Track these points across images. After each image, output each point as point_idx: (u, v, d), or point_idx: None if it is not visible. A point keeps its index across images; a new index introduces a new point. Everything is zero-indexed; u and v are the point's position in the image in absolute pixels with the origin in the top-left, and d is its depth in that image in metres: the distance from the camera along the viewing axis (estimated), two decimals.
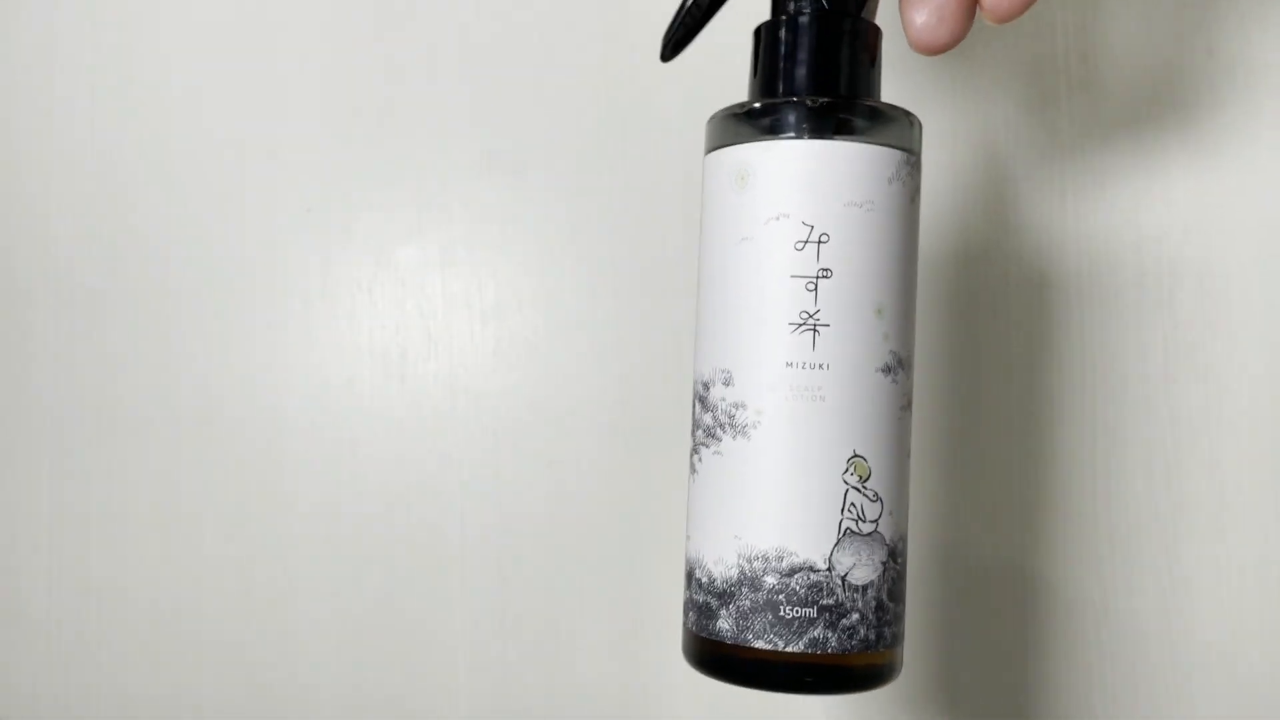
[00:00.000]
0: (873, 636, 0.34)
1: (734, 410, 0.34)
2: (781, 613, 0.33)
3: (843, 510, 0.33)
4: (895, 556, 0.35)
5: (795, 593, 0.33)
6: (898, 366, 0.35)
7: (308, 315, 0.51)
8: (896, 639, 0.35)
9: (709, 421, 0.35)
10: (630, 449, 0.49)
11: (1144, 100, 0.46)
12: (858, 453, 0.34)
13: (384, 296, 0.51)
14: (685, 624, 0.36)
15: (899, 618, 0.35)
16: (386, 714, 0.50)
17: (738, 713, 0.48)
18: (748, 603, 0.33)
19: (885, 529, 0.34)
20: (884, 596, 0.34)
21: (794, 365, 0.33)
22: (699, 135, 0.47)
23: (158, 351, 0.52)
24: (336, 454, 0.51)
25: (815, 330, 0.33)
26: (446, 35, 0.51)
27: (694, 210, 0.47)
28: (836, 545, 0.33)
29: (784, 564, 0.33)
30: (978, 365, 0.47)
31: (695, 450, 0.36)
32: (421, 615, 0.50)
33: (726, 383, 0.34)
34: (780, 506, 0.33)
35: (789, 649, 0.33)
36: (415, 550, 0.50)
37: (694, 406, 0.36)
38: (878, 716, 0.47)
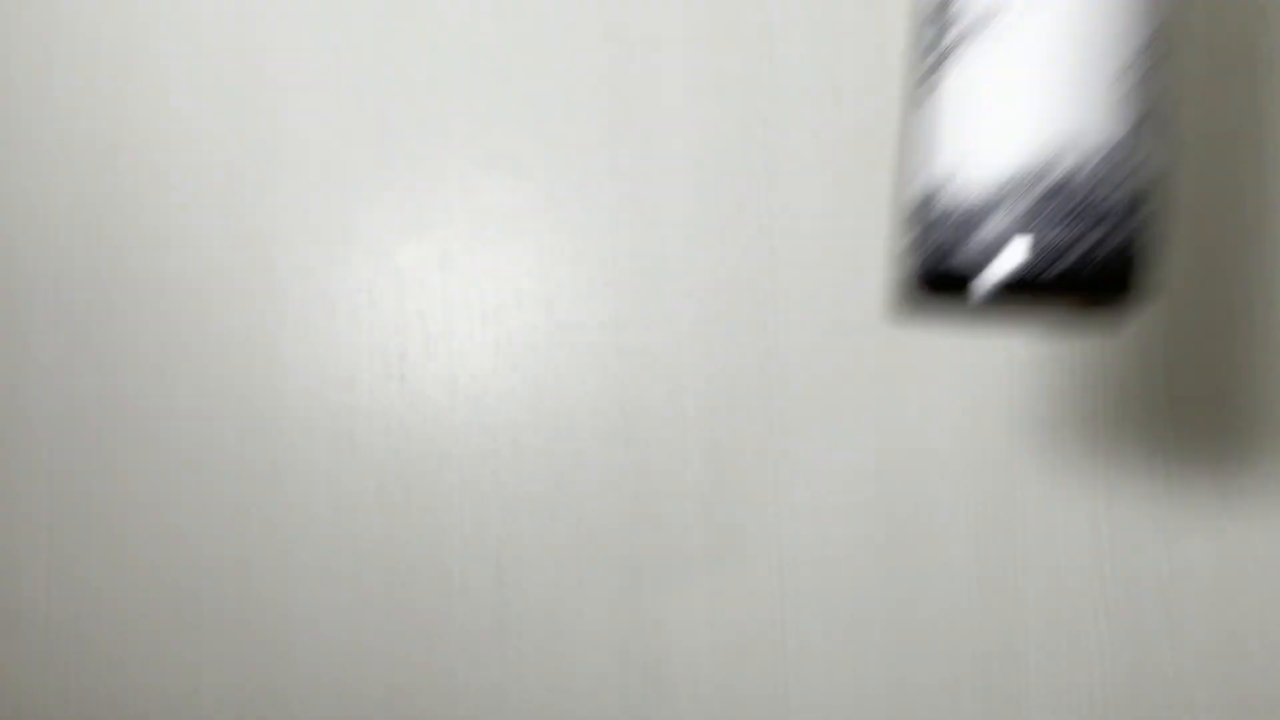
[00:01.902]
0: (1137, 247, 0.30)
1: (992, 9, 0.31)
2: (1042, 221, 0.29)
3: (1121, 103, 0.31)
4: (1161, 173, 0.32)
5: (1062, 196, 0.30)
6: None
7: (308, 315, 0.51)
8: (1157, 256, 0.32)
9: (951, 37, 0.32)
10: (629, 448, 0.49)
11: None
12: (1134, 45, 0.31)
13: (384, 296, 0.51)
14: (916, 262, 0.31)
15: (1158, 235, 0.32)
16: (386, 713, 0.50)
17: (737, 711, 0.47)
18: (1009, 212, 0.29)
19: (1150, 137, 0.31)
20: (1146, 210, 0.31)
21: None
22: (699, 135, 0.48)
23: (157, 352, 0.52)
24: (336, 453, 0.51)
25: None
26: (447, 36, 0.51)
27: (694, 210, 0.49)
28: (1108, 149, 0.30)
29: (1047, 172, 0.30)
30: None
31: (931, 70, 0.32)
32: (421, 614, 0.50)
33: None
34: (1044, 105, 0.30)
35: (1051, 269, 0.29)
36: (415, 549, 0.50)
37: (923, 30, 0.33)
38: None
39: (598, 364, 0.49)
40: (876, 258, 0.47)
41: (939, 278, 0.30)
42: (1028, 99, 0.30)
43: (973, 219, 0.30)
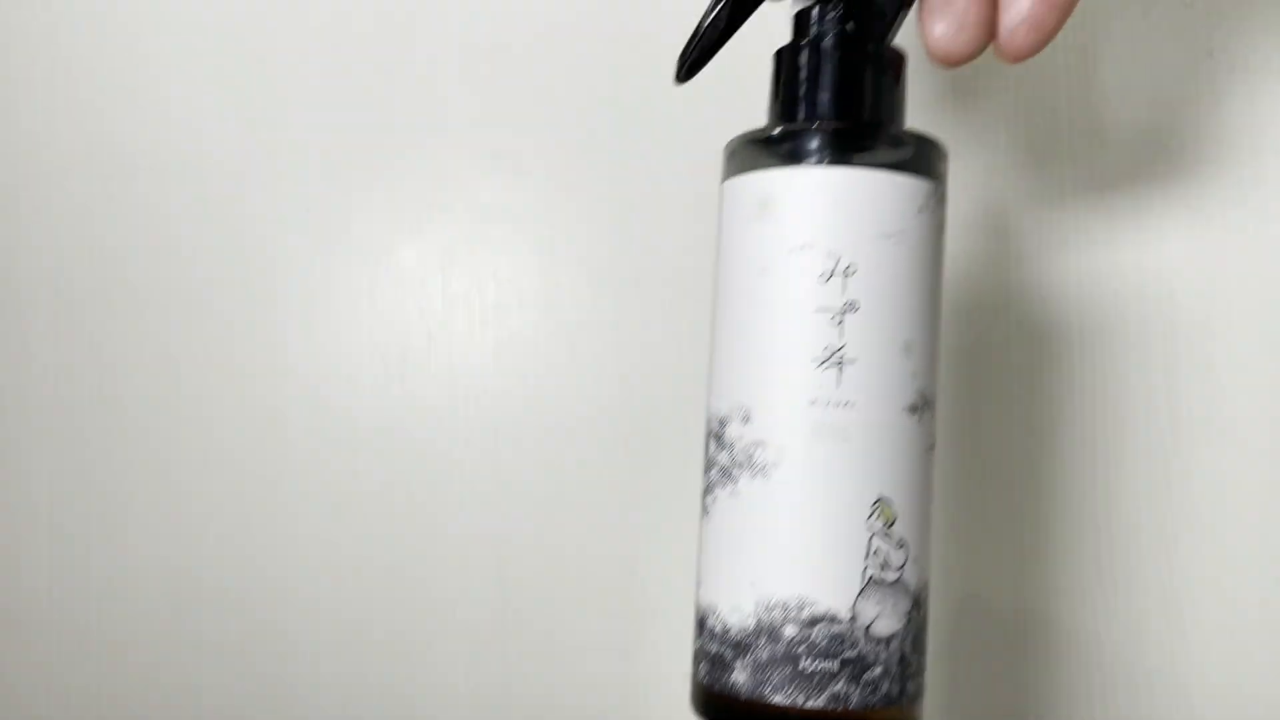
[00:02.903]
0: (895, 691, 0.32)
1: (753, 449, 0.32)
2: (801, 666, 0.31)
3: (867, 557, 0.32)
4: (919, 605, 0.33)
5: (816, 644, 0.31)
6: (924, 406, 0.33)
7: (308, 315, 0.51)
8: (919, 692, 0.33)
9: (725, 460, 0.33)
10: (630, 449, 0.48)
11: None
12: (883, 496, 0.32)
13: (384, 296, 0.50)
14: (695, 675, 0.34)
15: (921, 670, 0.33)
16: (386, 713, 0.50)
17: None
18: (765, 654, 0.32)
19: (910, 576, 0.32)
20: (907, 648, 0.32)
21: (817, 403, 0.32)
22: (700, 135, 0.44)
23: (158, 351, 0.52)
24: (336, 453, 0.50)
25: (840, 366, 0.32)
26: (447, 35, 0.50)
27: (695, 210, 0.46)
28: (860, 594, 0.32)
29: (804, 614, 0.31)
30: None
31: (709, 490, 0.34)
32: (421, 615, 0.50)
33: (745, 420, 0.33)
34: (801, 553, 0.32)
35: (809, 705, 0.31)
36: (415, 550, 0.50)
37: (708, 445, 0.34)
38: None
39: (598, 364, 0.48)
40: None
41: (716, 698, 0.33)
42: (777, 549, 0.32)
43: (735, 651, 0.32)
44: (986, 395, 0.45)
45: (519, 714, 0.49)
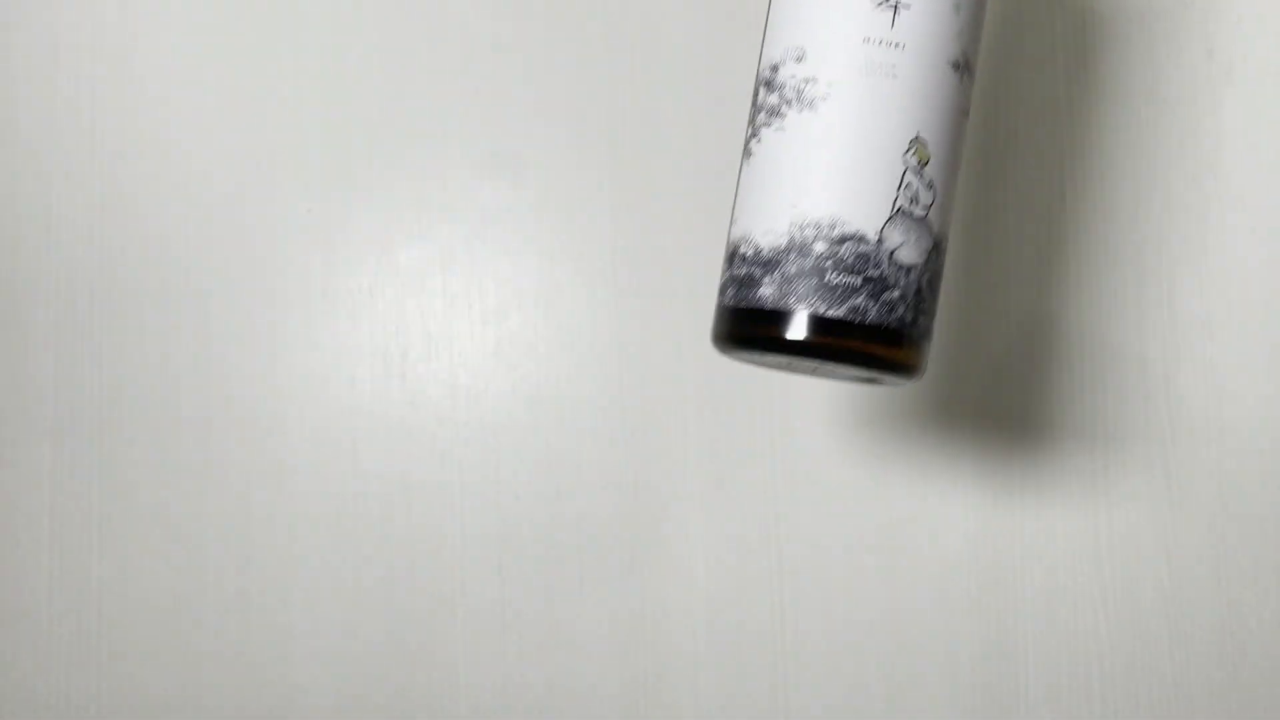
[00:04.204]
0: (909, 318, 0.34)
1: (803, 85, 0.35)
2: (827, 279, 0.34)
3: (899, 188, 0.34)
4: (938, 249, 0.35)
5: (843, 260, 0.34)
6: (965, 68, 0.35)
7: (308, 315, 0.51)
8: (927, 334, 0.36)
9: (774, 101, 0.35)
10: (629, 449, 0.49)
11: None
12: (920, 136, 0.34)
13: (384, 296, 0.51)
14: (720, 304, 0.36)
15: (931, 314, 0.36)
16: (386, 714, 0.50)
17: (737, 711, 0.48)
18: (794, 268, 0.34)
19: (934, 219, 0.35)
20: (924, 284, 0.35)
21: (871, 41, 0.34)
22: (699, 136, 0.47)
23: (158, 351, 0.52)
24: (336, 454, 0.51)
25: (896, 9, 0.34)
26: (447, 35, 0.51)
27: (694, 210, 0.48)
28: (889, 221, 0.34)
29: (835, 232, 0.34)
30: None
31: (754, 135, 0.36)
32: (421, 615, 0.50)
33: (799, 59, 0.35)
34: (839, 176, 0.34)
35: (830, 313, 0.33)
36: (415, 550, 0.50)
37: (756, 94, 0.36)
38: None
39: (598, 364, 0.49)
40: None
41: (741, 314, 0.36)
42: (817, 173, 0.34)
43: (765, 268, 0.35)
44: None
45: (519, 713, 0.49)
